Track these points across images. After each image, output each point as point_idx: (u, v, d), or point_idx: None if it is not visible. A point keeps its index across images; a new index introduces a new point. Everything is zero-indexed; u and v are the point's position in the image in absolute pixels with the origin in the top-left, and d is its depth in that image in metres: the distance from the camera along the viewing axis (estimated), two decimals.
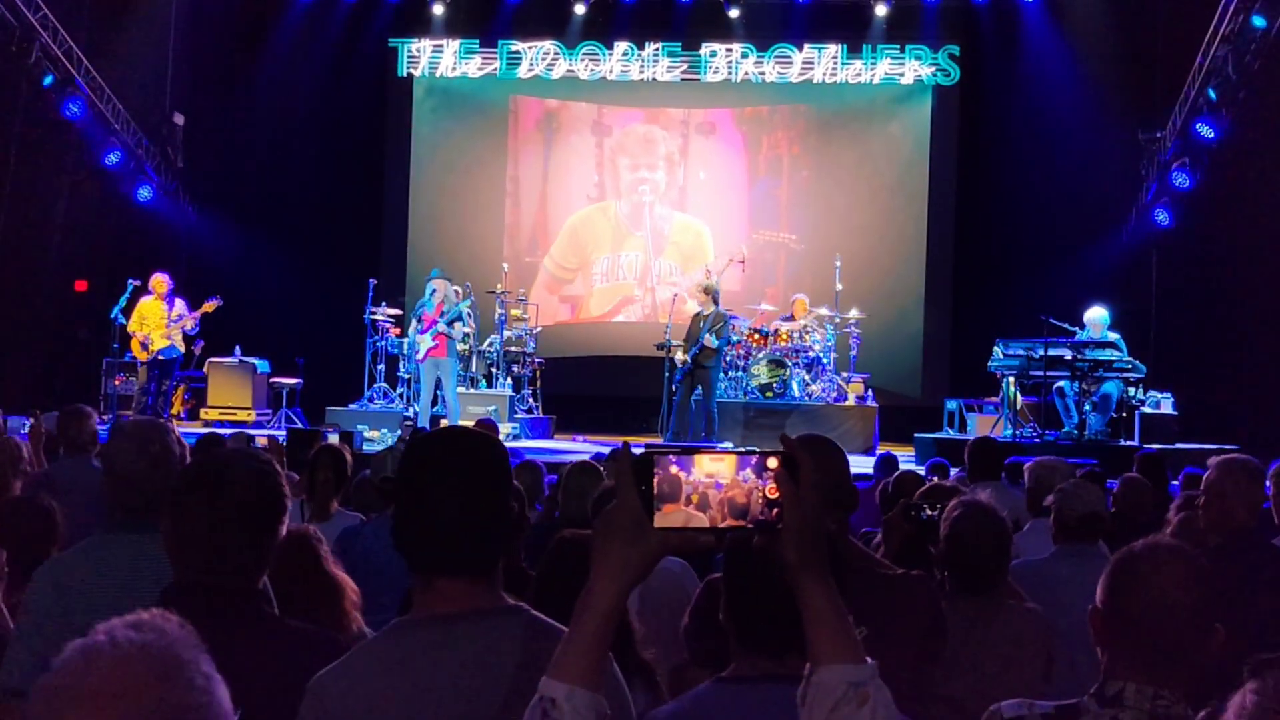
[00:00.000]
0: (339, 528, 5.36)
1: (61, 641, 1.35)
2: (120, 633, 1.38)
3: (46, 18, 15.34)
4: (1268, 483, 4.61)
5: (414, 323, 14.08)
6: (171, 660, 1.38)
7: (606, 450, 9.88)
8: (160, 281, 14.38)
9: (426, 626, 2.16)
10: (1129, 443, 12.57)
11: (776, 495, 1.69)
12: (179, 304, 14.40)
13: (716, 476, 1.70)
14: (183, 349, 14.55)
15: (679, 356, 13.69)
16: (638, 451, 1.74)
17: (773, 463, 1.71)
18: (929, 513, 4.05)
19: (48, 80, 15.48)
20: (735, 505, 1.70)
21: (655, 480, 1.70)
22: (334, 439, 9.02)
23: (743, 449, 1.77)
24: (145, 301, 14.32)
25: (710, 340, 13.48)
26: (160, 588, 2.57)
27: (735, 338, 14.81)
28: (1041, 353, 12.56)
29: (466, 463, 2.19)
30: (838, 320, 15.38)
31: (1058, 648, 3.89)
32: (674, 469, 1.70)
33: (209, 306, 14.30)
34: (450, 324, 13.58)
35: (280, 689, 2.18)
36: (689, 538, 1.71)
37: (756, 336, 15.10)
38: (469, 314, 14.55)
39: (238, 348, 15.80)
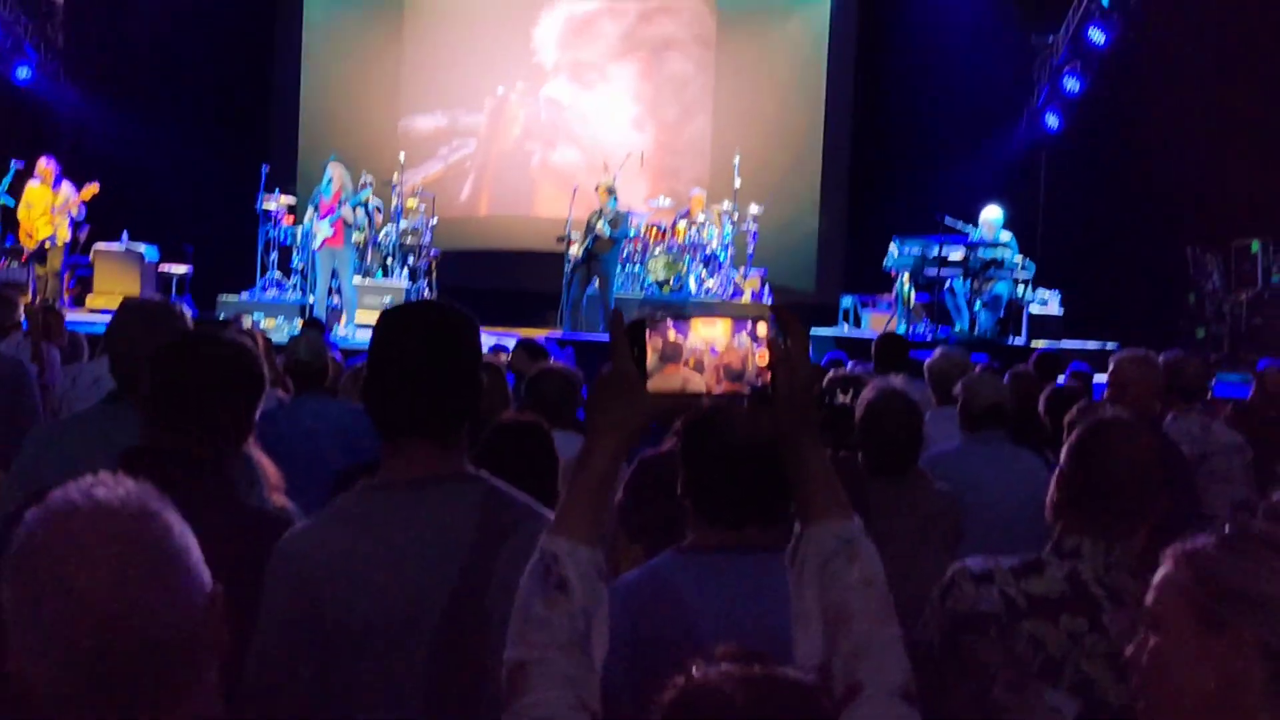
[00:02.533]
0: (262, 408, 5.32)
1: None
2: (87, 488, 1.41)
3: None
4: None
5: (310, 210, 13.85)
6: (145, 507, 1.42)
7: (505, 341, 9.91)
8: (46, 167, 13.89)
9: (391, 490, 2.20)
10: (1017, 341, 12.89)
11: (767, 360, 1.73)
12: (65, 187, 13.94)
13: (712, 341, 1.73)
14: (69, 236, 14.11)
15: (574, 250, 13.71)
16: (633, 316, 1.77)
17: (762, 328, 1.75)
18: (842, 399, 4.16)
19: None
20: (730, 370, 1.72)
21: (659, 344, 1.72)
22: (245, 324, 8.91)
23: (736, 313, 1.80)
24: (32, 187, 13.85)
25: (604, 230, 13.51)
26: None
27: (632, 232, 14.85)
28: (936, 251, 12.77)
29: (438, 327, 2.23)
30: (735, 216, 15.43)
31: (966, 526, 4.06)
32: (672, 333, 1.73)
33: (87, 191, 13.88)
34: (353, 209, 13.40)
35: (237, 563, 2.20)
36: (681, 400, 1.74)
37: (654, 232, 15.14)
38: (373, 208, 14.40)
39: (125, 233, 15.37)
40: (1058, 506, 2.51)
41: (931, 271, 12.98)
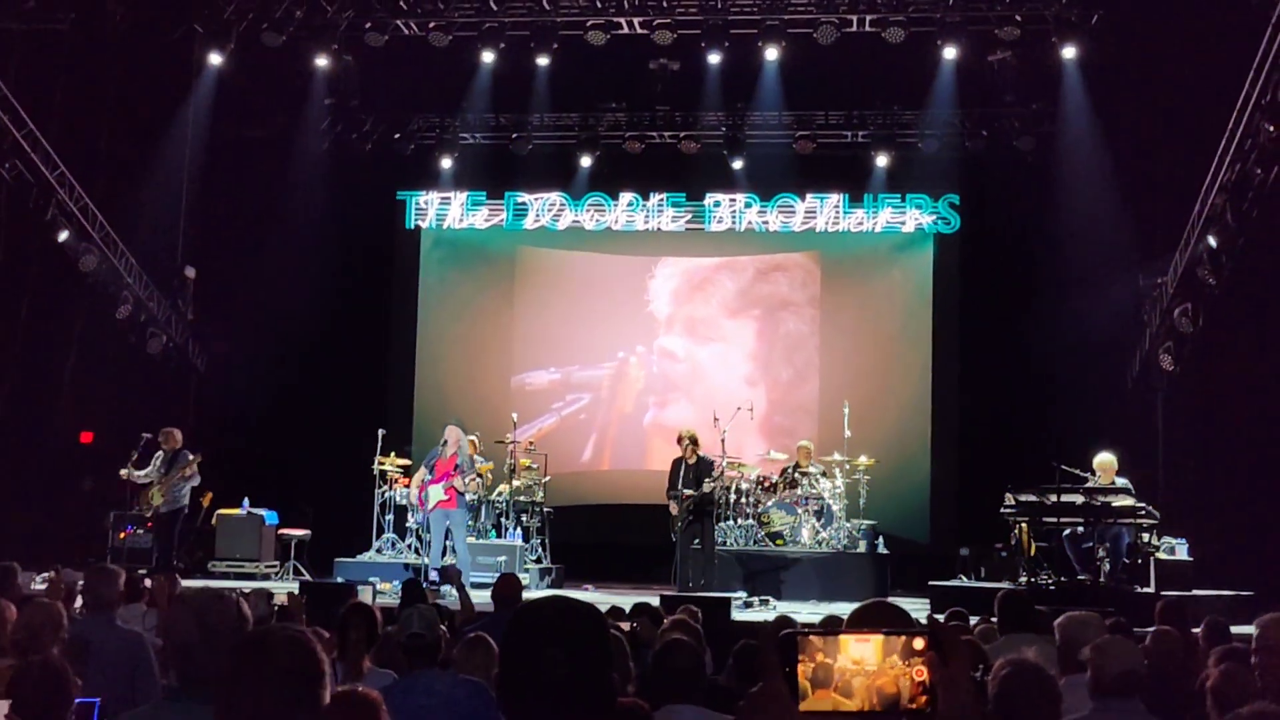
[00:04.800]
0: (374, 687, 5.29)
1: None
2: None
3: (64, 175, 15.63)
4: None
5: (423, 470, 14.04)
6: None
7: (622, 600, 9.82)
8: (171, 435, 14.23)
9: None
10: (1145, 589, 12.47)
11: (924, 678, 1.66)
12: (192, 460, 14.21)
13: (863, 664, 1.68)
14: (185, 501, 14.32)
15: (674, 507, 13.72)
16: (784, 631, 1.72)
17: (919, 643, 1.69)
18: (975, 673, 4.01)
19: (63, 235, 15.69)
20: (883, 694, 1.67)
21: (809, 667, 1.68)
22: (365, 595, 8.94)
23: (888, 629, 1.74)
24: (155, 457, 14.20)
25: (706, 486, 13.55)
26: None
27: (743, 485, 14.93)
28: (1054, 499, 12.53)
29: (575, 630, 2.21)
30: (847, 467, 15.39)
31: None
32: (821, 655, 1.68)
33: (192, 463, 14.04)
34: (465, 480, 13.55)
35: None
36: None
37: (766, 484, 15.15)
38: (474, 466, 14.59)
39: (246, 500, 15.74)
40: None
41: (1050, 519, 12.71)
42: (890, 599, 3.48)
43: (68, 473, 16.94)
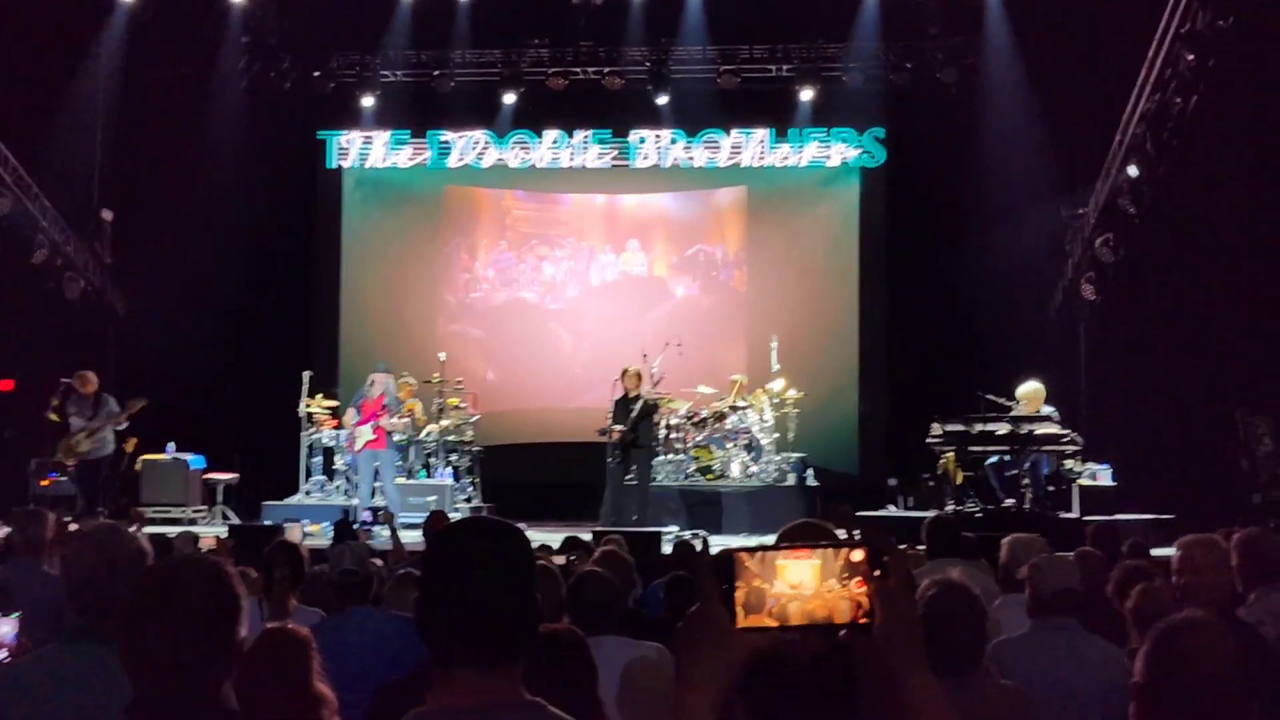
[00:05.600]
0: (302, 625, 5.25)
1: None
2: None
3: None
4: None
5: (351, 411, 13.94)
6: None
7: (552, 539, 9.82)
8: (87, 380, 14.00)
9: (443, 718, 2.12)
10: (1069, 515, 12.68)
11: (862, 592, 1.65)
12: (110, 402, 14.04)
13: (800, 588, 1.65)
14: (111, 447, 14.14)
15: (612, 438, 13.74)
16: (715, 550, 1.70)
17: (858, 555, 1.67)
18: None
19: None
20: (818, 618, 1.65)
21: (743, 593, 1.65)
22: (293, 533, 8.87)
23: (825, 543, 1.71)
24: (70, 403, 13.94)
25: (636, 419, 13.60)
26: (112, 703, 2.47)
27: (674, 420, 15.00)
28: (979, 428, 12.67)
29: (495, 550, 2.17)
30: (775, 401, 15.47)
31: None
32: (757, 580, 1.65)
33: (134, 406, 13.95)
34: (393, 419, 13.48)
35: None
36: (776, 638, 1.67)
37: (696, 418, 15.20)
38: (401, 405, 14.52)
39: (171, 444, 15.54)
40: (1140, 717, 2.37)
41: (977, 448, 12.87)
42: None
43: None
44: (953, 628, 3.76)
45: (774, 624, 1.65)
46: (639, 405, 13.69)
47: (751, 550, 1.68)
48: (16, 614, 4.10)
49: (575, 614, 4.69)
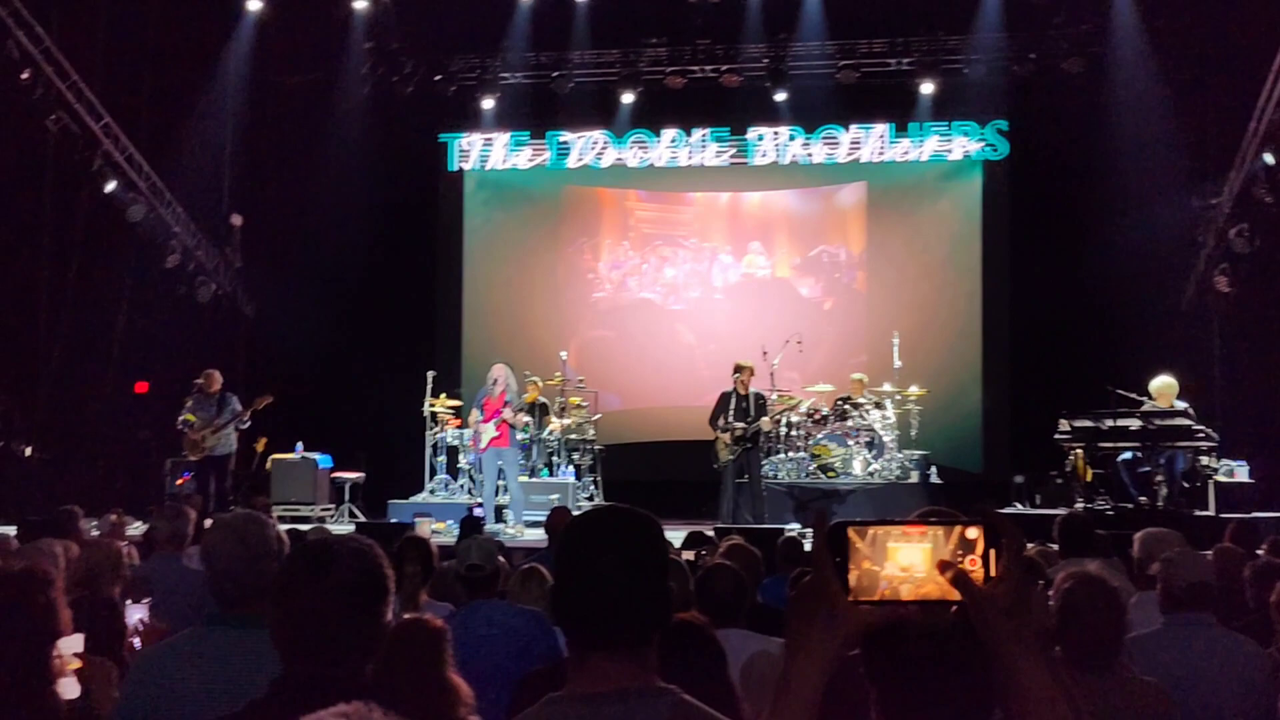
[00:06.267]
0: None
1: None
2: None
3: (109, 125, 15.67)
4: None
5: (474, 411, 14.08)
6: None
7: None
8: (212, 378, 14.30)
9: (576, 704, 2.13)
10: (1204, 513, 12.35)
11: (976, 567, 1.62)
12: (233, 400, 14.32)
13: (911, 570, 1.63)
14: (234, 446, 14.42)
15: (725, 438, 13.73)
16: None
17: (973, 533, 1.65)
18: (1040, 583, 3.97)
19: (110, 186, 15.75)
20: (930, 598, 1.63)
21: (853, 575, 1.63)
22: (422, 528, 8.98)
23: (936, 520, 1.68)
24: (198, 400, 14.23)
25: (765, 425, 13.55)
26: (251, 683, 2.51)
27: (794, 418, 14.93)
28: (1110, 423, 12.39)
29: (630, 537, 2.17)
30: (897, 398, 15.31)
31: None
32: (868, 563, 1.63)
33: (260, 403, 14.25)
34: (515, 413, 13.59)
35: None
36: (889, 612, 1.64)
37: (817, 416, 15.11)
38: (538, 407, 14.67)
39: (299, 444, 15.86)
40: None
41: (1107, 444, 12.59)
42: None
43: (124, 423, 17.10)
44: (1091, 621, 3.68)
45: (884, 599, 1.64)
46: (755, 401, 13.67)
47: (862, 527, 1.65)
48: (147, 600, 4.21)
49: (704, 607, 4.68)
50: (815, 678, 1.62)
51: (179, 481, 15.15)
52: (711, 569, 5.00)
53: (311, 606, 2.42)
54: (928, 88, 17.88)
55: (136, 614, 4.00)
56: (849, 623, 1.62)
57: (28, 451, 17.15)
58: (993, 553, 1.64)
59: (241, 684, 2.64)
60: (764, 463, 14.42)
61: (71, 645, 3.23)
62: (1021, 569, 1.63)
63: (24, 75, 14.55)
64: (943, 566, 1.62)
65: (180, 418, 14.18)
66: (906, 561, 1.64)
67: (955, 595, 1.62)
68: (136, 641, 3.92)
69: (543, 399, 15.33)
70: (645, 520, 2.22)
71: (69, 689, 3.18)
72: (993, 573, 1.63)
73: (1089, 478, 13.11)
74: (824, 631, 1.62)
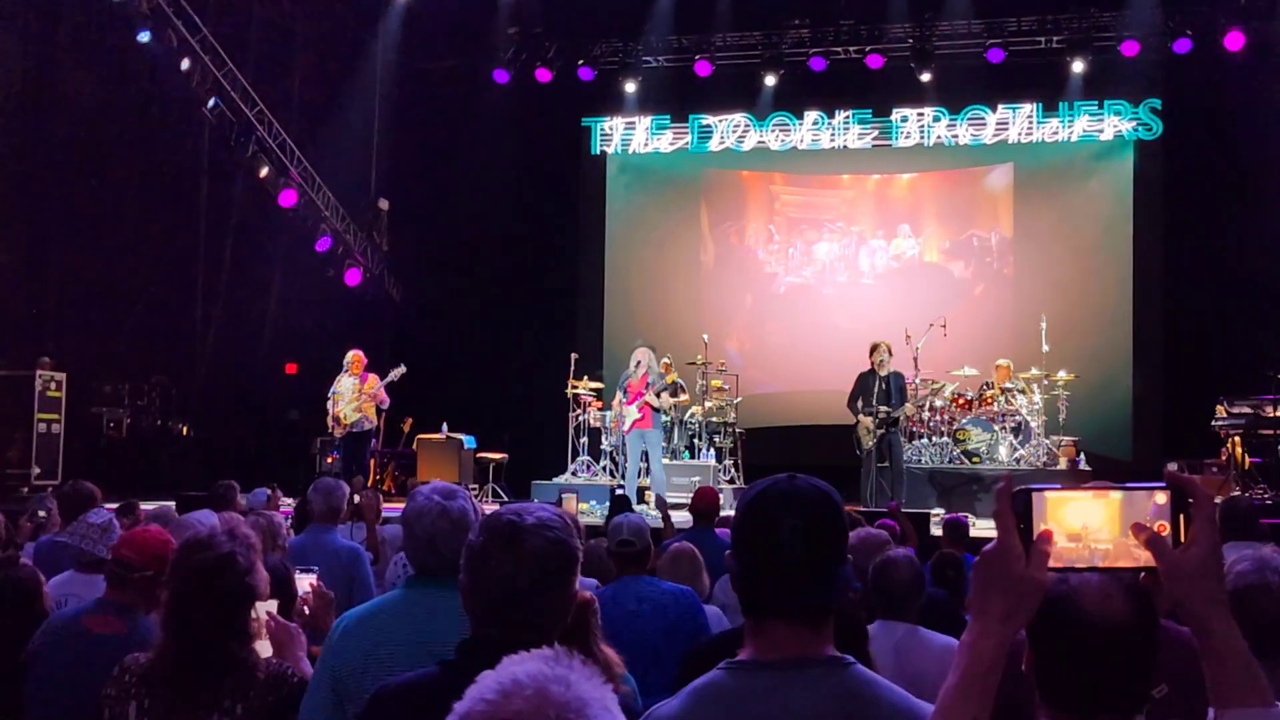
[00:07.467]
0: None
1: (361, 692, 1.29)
2: (532, 666, 1.39)
3: (262, 112, 16.08)
4: None
5: (618, 394, 14.16)
6: (577, 698, 1.38)
7: None
8: (357, 358, 14.51)
9: (754, 671, 2.15)
10: None
11: (1166, 533, 1.60)
12: (372, 379, 14.50)
13: (1097, 534, 1.63)
14: (374, 422, 14.67)
15: (868, 422, 13.60)
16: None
17: (1161, 498, 1.63)
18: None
19: (264, 171, 16.17)
20: (1115, 565, 1.64)
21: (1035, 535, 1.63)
22: (569, 504, 9.05)
23: (1123, 485, 1.68)
24: (342, 379, 14.48)
25: (909, 409, 13.41)
26: (447, 647, 2.58)
27: (938, 402, 14.76)
28: (1271, 410, 12.02)
29: (809, 504, 2.17)
30: (1045, 382, 15.01)
31: None
32: (1051, 525, 1.64)
33: (393, 374, 14.40)
34: (658, 394, 13.64)
35: None
36: (1073, 578, 1.67)
37: (961, 401, 14.90)
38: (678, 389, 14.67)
39: (444, 425, 16.11)
40: None
41: (1267, 431, 12.21)
42: None
43: (274, 402, 17.58)
44: (1266, 603, 3.57)
45: (1070, 566, 1.63)
46: (895, 383, 13.52)
47: (1046, 492, 1.65)
48: (314, 569, 4.34)
49: (880, 599, 4.62)
50: (1000, 641, 1.62)
51: (329, 459, 15.51)
52: (887, 560, 4.83)
53: (502, 574, 2.49)
54: (1078, 66, 17.45)
55: (307, 580, 4.13)
56: (1031, 591, 1.61)
57: (185, 430, 17.75)
58: (1182, 518, 1.63)
59: (448, 641, 2.73)
60: (905, 447, 14.27)
61: (265, 608, 3.37)
62: (1214, 534, 1.60)
63: (183, 64, 15.01)
64: (1137, 529, 1.61)
65: (330, 392, 14.47)
66: (1094, 526, 1.63)
67: (1144, 561, 1.62)
68: (305, 609, 4.04)
69: (679, 380, 15.33)
70: (825, 490, 2.23)
71: (264, 649, 3.31)
72: (1182, 538, 1.62)
73: (1246, 465, 12.73)
74: (1006, 598, 1.62)
